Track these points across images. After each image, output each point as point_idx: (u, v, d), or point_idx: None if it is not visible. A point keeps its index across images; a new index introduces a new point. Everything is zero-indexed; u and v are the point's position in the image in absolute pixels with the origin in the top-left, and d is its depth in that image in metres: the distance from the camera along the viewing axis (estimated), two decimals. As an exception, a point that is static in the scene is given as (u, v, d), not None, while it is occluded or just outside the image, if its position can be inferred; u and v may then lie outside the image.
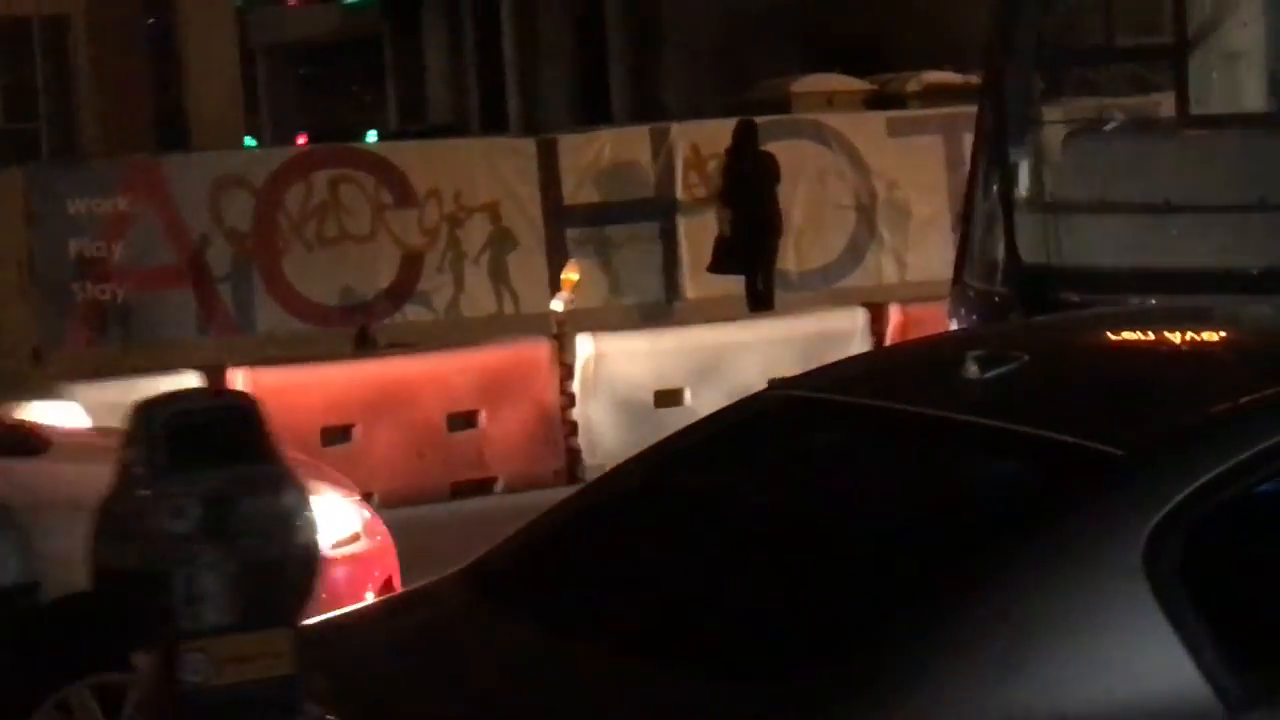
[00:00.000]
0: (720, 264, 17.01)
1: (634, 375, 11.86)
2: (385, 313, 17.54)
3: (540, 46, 34.12)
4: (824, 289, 18.30)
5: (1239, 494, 3.18)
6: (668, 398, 11.95)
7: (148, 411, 2.98)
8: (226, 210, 17.13)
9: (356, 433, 11.37)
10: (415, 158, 18.01)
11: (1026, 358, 3.77)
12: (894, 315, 12.49)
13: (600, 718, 3.03)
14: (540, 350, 11.83)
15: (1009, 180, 7.81)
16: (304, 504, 2.99)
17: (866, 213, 18.50)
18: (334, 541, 6.17)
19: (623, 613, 3.37)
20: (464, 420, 11.67)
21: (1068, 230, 7.71)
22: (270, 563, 2.86)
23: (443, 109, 37.16)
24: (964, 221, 8.47)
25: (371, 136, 30.58)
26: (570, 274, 12.69)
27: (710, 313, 17.04)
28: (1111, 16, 8.45)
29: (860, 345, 12.11)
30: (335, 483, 6.52)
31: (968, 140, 18.04)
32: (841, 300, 17.48)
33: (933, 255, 18.57)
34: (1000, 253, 7.91)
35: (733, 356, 12.21)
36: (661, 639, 3.22)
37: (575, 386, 11.81)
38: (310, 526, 3.03)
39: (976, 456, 3.55)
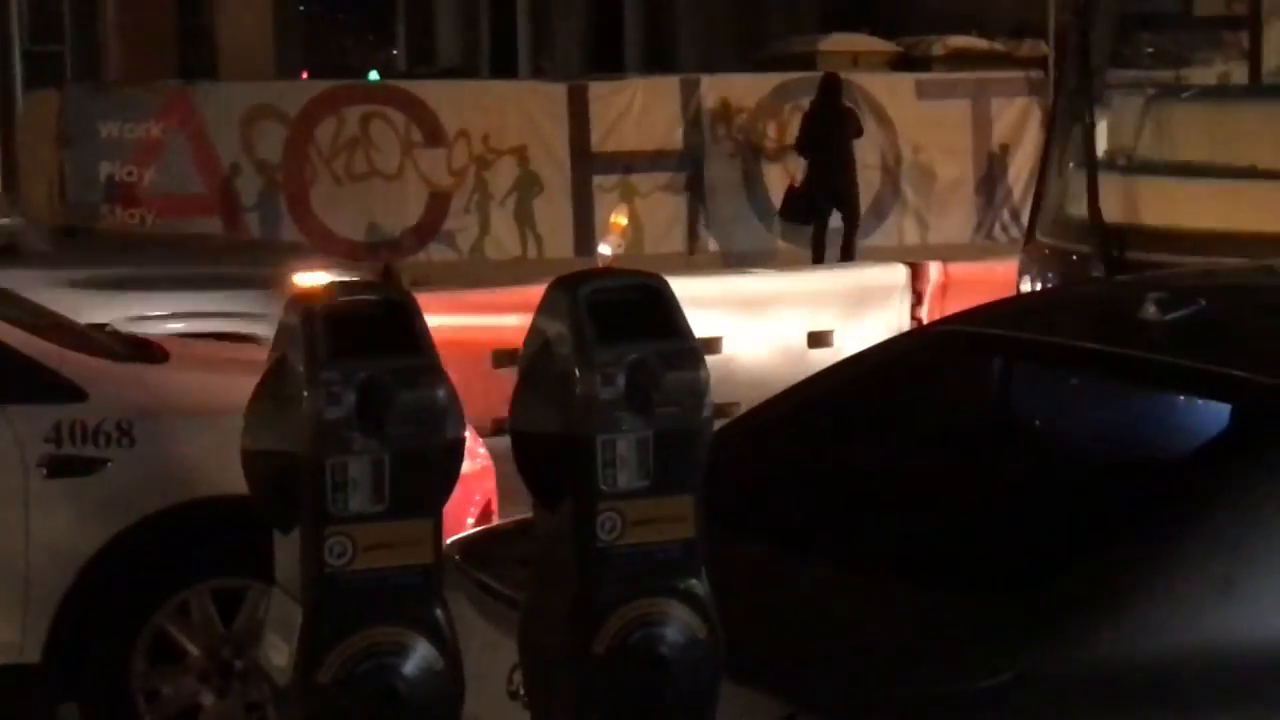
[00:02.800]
0: (790, 212, 17.30)
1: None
2: (410, 250, 17.62)
3: (554, -8, 34.07)
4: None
5: None
6: (705, 346, 12.03)
7: (569, 286, 3.09)
8: (257, 141, 17.20)
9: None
10: (446, 98, 18.06)
11: (1204, 302, 3.90)
12: (934, 273, 12.56)
13: (857, 629, 3.17)
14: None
15: (1091, 142, 7.93)
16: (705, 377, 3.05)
17: (892, 174, 18.61)
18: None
19: (858, 533, 3.50)
20: (508, 359, 11.74)
21: (1149, 191, 7.84)
22: (684, 433, 2.99)
23: (452, 52, 37.11)
24: (1040, 181, 8.60)
25: (374, 76, 30.56)
26: (619, 218, 12.78)
27: (730, 264, 17.21)
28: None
29: (901, 301, 12.20)
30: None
31: (995, 105, 18.39)
32: (864, 259, 17.68)
33: (955, 219, 18.77)
34: (1078, 211, 8.03)
35: (771, 306, 12.28)
36: (904, 559, 3.36)
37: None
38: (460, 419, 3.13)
39: (1174, 394, 3.68)
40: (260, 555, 5.81)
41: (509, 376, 11.07)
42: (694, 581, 3.03)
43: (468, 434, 6.63)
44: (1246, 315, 3.98)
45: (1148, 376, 3.67)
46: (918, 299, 12.55)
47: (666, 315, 3.10)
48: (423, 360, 3.06)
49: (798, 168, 17.14)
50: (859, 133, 17.37)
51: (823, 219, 17.14)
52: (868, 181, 18.52)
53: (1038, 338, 3.91)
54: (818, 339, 11.90)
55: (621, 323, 3.02)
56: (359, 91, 18.45)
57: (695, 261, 17.78)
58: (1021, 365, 4.03)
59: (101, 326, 7.08)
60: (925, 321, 12.37)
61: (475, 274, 17.06)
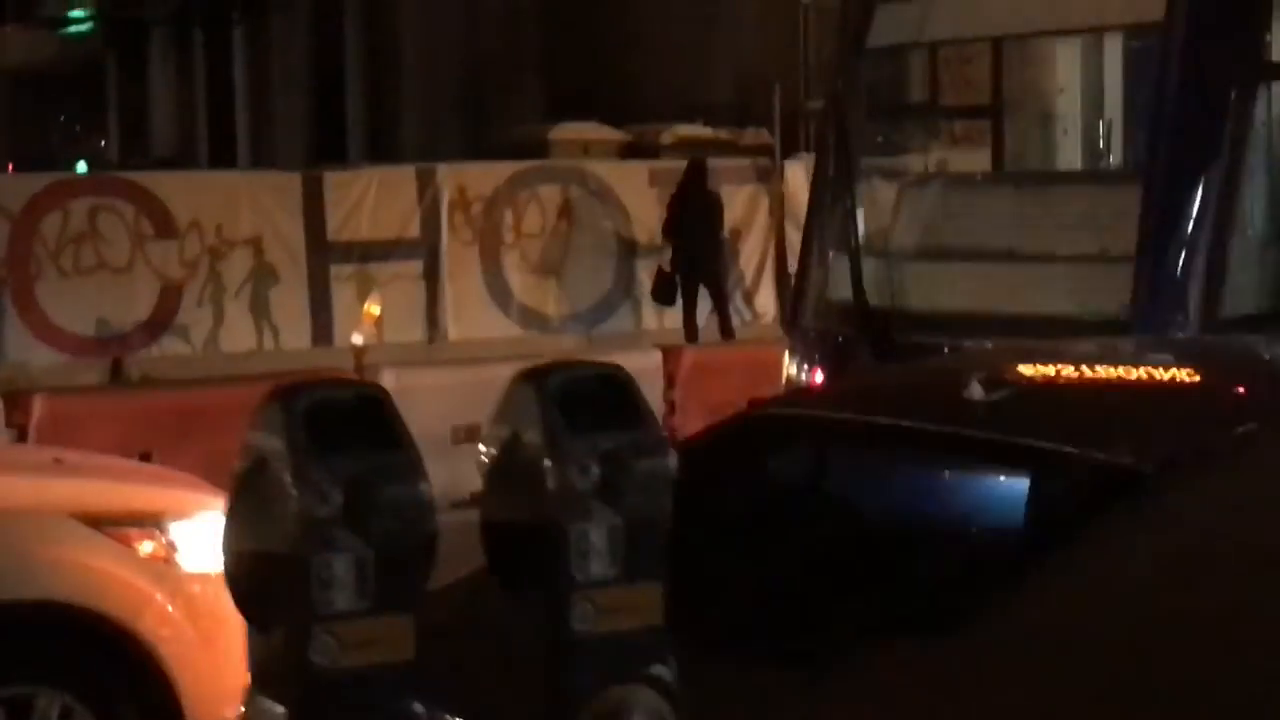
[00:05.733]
0: (661, 294, 17.81)
1: (434, 409, 11.93)
2: (141, 344, 17.29)
3: (273, 79, 33.84)
4: (584, 333, 18.61)
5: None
6: (467, 434, 12.05)
7: (537, 379, 3.09)
8: (-20, 235, 16.74)
9: (156, 461, 11.22)
10: (178, 188, 17.81)
11: (1022, 381, 4.06)
12: (688, 357, 12.79)
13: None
14: (342, 383, 11.82)
15: (852, 227, 8.15)
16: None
17: (628, 260, 18.84)
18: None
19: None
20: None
21: (909, 276, 8.08)
22: (651, 520, 3.00)
23: (168, 141, 36.56)
24: (801, 265, 8.80)
25: (81, 167, 29.98)
26: (372, 307, 12.72)
27: (471, 353, 17.23)
28: (937, 78, 8.87)
29: (655, 386, 12.37)
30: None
31: (724, 193, 18.74)
32: (601, 347, 17.87)
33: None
34: (841, 295, 8.24)
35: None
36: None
37: (373, 420, 11.82)
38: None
39: (997, 471, 3.82)
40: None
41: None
42: (662, 667, 3.08)
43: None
44: (1061, 396, 4.15)
45: (985, 454, 3.80)
46: (669, 382, 12.77)
47: (633, 405, 3.15)
48: (404, 455, 3.06)
49: (667, 253, 17.59)
50: (722, 217, 18.01)
51: (692, 300, 17.57)
52: (604, 267, 18.75)
53: (874, 420, 4.02)
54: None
55: (591, 413, 3.04)
56: (86, 183, 18.11)
57: (433, 351, 17.77)
58: (849, 448, 4.13)
59: None
60: (676, 404, 12.61)
61: (209, 367, 16.84)
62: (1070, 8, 7.83)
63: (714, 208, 17.96)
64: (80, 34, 39.55)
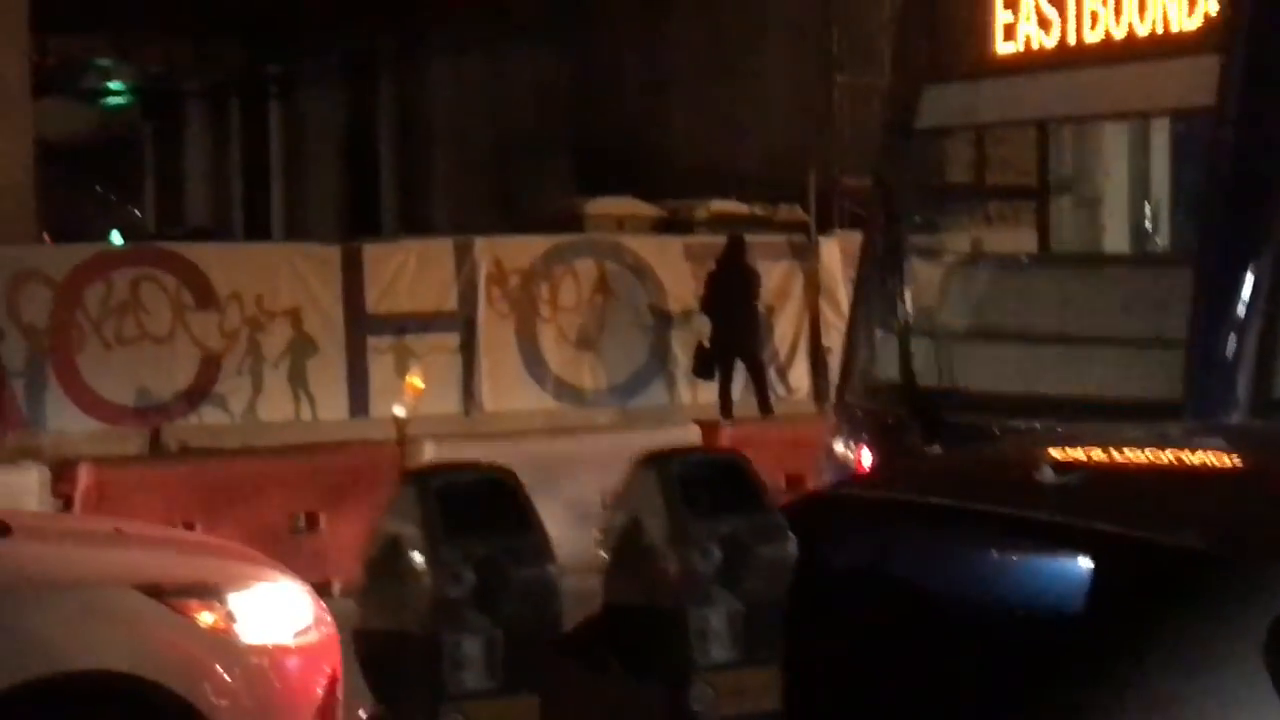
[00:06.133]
0: (702, 369, 17.90)
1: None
2: (182, 414, 17.41)
3: (307, 151, 34.11)
4: (619, 406, 18.67)
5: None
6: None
7: (658, 464, 3.14)
8: (24, 305, 16.88)
9: (198, 530, 11.30)
10: (218, 260, 17.96)
11: (1093, 464, 4.11)
12: (726, 433, 12.84)
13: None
14: (384, 455, 11.91)
15: (900, 306, 8.20)
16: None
17: (663, 334, 18.92)
18: (294, 630, 6.23)
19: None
20: (306, 522, 11.69)
21: (957, 356, 8.13)
22: (771, 605, 3.04)
23: (202, 212, 36.83)
24: (847, 343, 8.85)
25: (116, 237, 30.21)
26: (415, 380, 12.80)
27: (506, 425, 17.31)
28: (983, 158, 8.96)
29: (693, 461, 12.41)
30: (285, 572, 6.58)
31: (760, 268, 18.82)
32: (636, 419, 17.93)
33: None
34: (888, 374, 8.28)
35: (568, 468, 12.40)
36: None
37: (415, 493, 11.89)
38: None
39: (1071, 555, 3.85)
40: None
41: (307, 540, 10.96)
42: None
43: (310, 598, 6.63)
44: (1134, 475, 4.20)
45: (1056, 537, 3.84)
46: (707, 458, 12.79)
47: (752, 491, 3.20)
48: (534, 537, 3.12)
49: (705, 328, 17.68)
50: (758, 292, 18.08)
51: (729, 375, 17.66)
52: (640, 341, 18.84)
53: (945, 502, 4.06)
54: (615, 499, 12.08)
55: (711, 498, 3.10)
56: (129, 254, 18.26)
57: (469, 423, 17.84)
58: (913, 530, 4.17)
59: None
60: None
61: (246, 437, 16.93)
62: (1119, 92, 7.90)
63: (752, 284, 18.08)
64: (118, 105, 39.93)
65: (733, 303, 17.72)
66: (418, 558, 3.05)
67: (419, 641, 3.03)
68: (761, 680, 3.09)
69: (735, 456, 3.30)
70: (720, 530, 3.10)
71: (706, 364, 17.85)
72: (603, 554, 3.27)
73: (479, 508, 3.10)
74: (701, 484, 3.15)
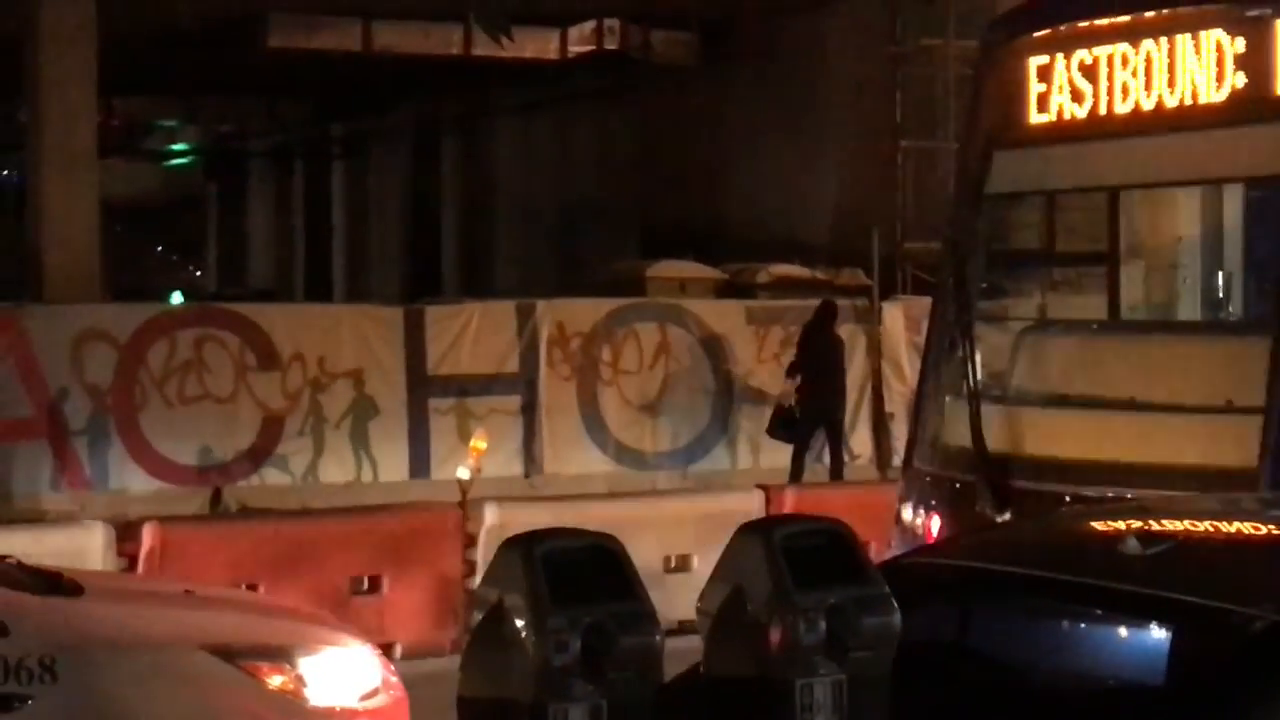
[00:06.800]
0: (779, 431, 17.92)
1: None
2: (243, 474, 17.45)
3: (370, 212, 34.29)
4: (679, 469, 18.63)
5: None
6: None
7: (763, 533, 3.13)
8: (87, 364, 16.98)
9: (262, 591, 11.29)
10: (281, 320, 18.04)
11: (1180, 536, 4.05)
12: (790, 497, 12.78)
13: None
14: (447, 517, 11.89)
15: (971, 371, 8.15)
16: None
17: (724, 397, 18.89)
18: (362, 694, 6.20)
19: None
20: (368, 584, 11.68)
21: (1027, 422, 8.06)
22: (876, 677, 3.02)
23: (264, 273, 37.04)
24: (916, 409, 8.80)
25: (177, 297, 30.41)
26: (479, 442, 12.81)
27: (567, 488, 17.29)
28: (1053, 224, 8.90)
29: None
30: (353, 634, 6.56)
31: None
32: (694, 484, 17.87)
33: (786, 445, 19.02)
34: (957, 440, 8.22)
35: (632, 531, 12.34)
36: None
37: (478, 554, 11.88)
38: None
39: (1150, 625, 3.80)
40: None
41: (368, 603, 10.91)
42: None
43: (378, 661, 6.61)
44: (1219, 547, 4.15)
45: (1138, 609, 3.79)
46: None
47: (857, 560, 3.17)
48: (639, 605, 3.09)
49: (790, 390, 17.71)
50: (843, 358, 18.14)
51: (806, 440, 17.73)
52: (701, 405, 18.81)
53: (1032, 573, 4.02)
54: (679, 563, 12.07)
55: (817, 568, 3.07)
56: (192, 314, 18.36)
57: (531, 486, 17.83)
58: (992, 599, 4.12)
59: (3, 558, 6.92)
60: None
61: (308, 498, 16.96)
62: (1192, 160, 7.85)
63: (838, 349, 18.12)
64: (181, 166, 40.27)
65: (820, 367, 17.72)
66: (522, 624, 3.01)
67: (524, 709, 2.99)
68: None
69: (839, 525, 3.26)
70: (825, 601, 3.06)
71: (788, 426, 17.79)
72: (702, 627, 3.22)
73: (584, 574, 3.07)
74: (806, 553, 3.11)
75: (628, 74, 26.51)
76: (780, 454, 18.54)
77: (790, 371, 17.96)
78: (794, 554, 3.10)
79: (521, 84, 28.22)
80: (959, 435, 8.19)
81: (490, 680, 3.07)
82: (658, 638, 3.07)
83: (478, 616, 3.11)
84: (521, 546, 3.09)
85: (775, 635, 3.03)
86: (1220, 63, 7.39)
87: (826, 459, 18.04)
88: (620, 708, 3.01)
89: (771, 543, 3.11)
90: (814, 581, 3.08)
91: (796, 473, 17.46)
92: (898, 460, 17.82)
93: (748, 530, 3.20)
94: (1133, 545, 4.01)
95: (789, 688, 3.02)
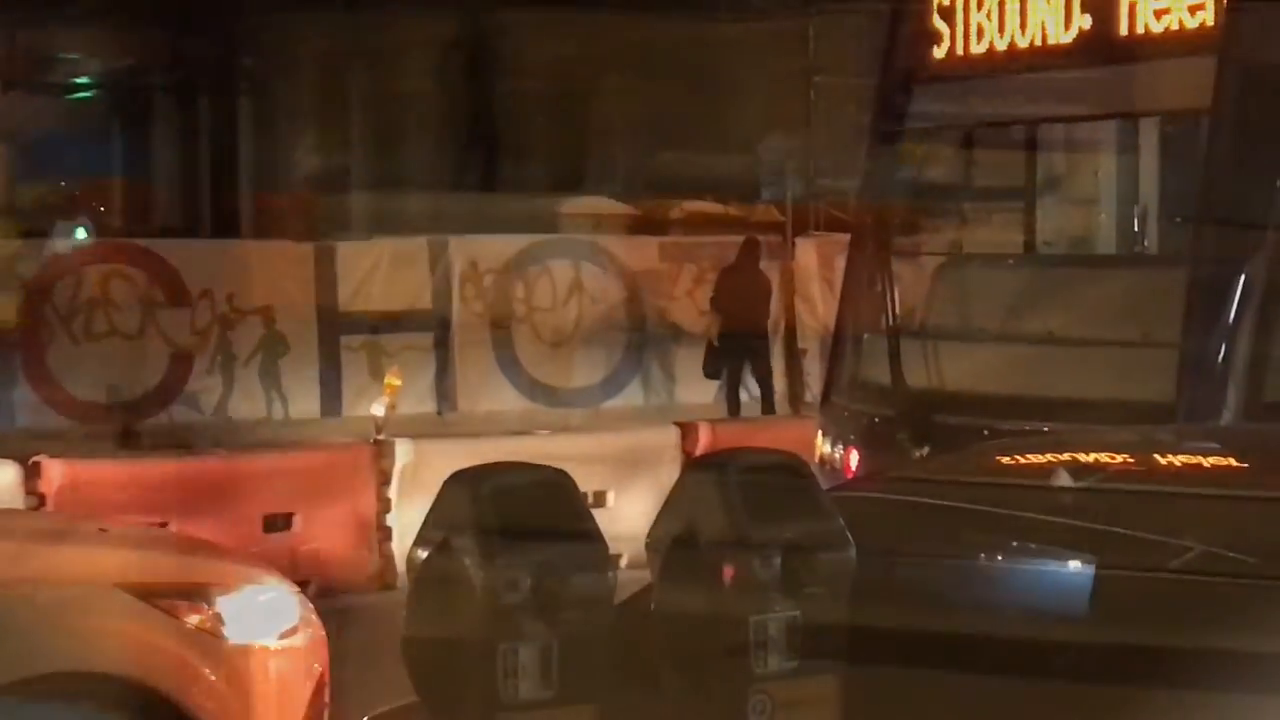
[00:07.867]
0: (711, 369, 17.92)
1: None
2: (151, 411, 17.26)
3: (277, 147, 33.87)
4: (591, 407, 18.60)
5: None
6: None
7: (716, 468, 3.11)
8: (-9, 301, 16.74)
9: (173, 529, 11.17)
10: (190, 257, 17.83)
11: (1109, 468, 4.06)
12: (705, 434, 12.77)
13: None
14: (361, 454, 11.81)
15: (888, 308, 8.16)
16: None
17: (638, 334, 18.86)
18: (279, 632, 6.15)
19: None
20: (280, 522, 11.59)
21: (945, 356, 8.09)
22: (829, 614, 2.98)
23: (170, 209, 36.52)
24: (835, 345, 8.81)
25: (81, 234, 29.93)
26: (394, 379, 12.70)
27: (480, 425, 17.23)
28: (971, 158, 8.92)
29: (672, 462, 12.33)
30: (271, 573, 6.49)
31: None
32: (608, 420, 17.86)
33: (698, 382, 19.03)
34: (875, 375, 8.24)
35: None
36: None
37: (392, 492, 11.81)
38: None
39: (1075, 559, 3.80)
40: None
41: (280, 540, 10.78)
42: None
43: (296, 599, 6.54)
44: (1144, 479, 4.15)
45: (1072, 543, 3.79)
46: (687, 459, 12.73)
47: (812, 496, 3.12)
48: (591, 541, 3.02)
49: (714, 327, 17.69)
50: (769, 295, 18.13)
51: (737, 376, 17.76)
52: (613, 341, 18.77)
53: (962, 505, 4.00)
54: (595, 499, 12.04)
55: (770, 503, 3.02)
56: (99, 250, 18.11)
57: (443, 424, 17.74)
58: (934, 534, 4.10)
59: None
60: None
61: (219, 436, 16.80)
62: (1110, 94, 7.87)
63: (763, 286, 18.16)
64: (85, 99, 39.58)
65: (744, 304, 17.69)
66: (470, 562, 2.94)
67: (472, 649, 2.93)
68: (819, 689, 3.01)
69: (794, 459, 3.21)
70: (781, 536, 3.01)
71: (715, 364, 17.82)
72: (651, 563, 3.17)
73: (534, 510, 3.00)
74: (758, 488, 3.06)
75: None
76: (695, 390, 18.57)
77: (712, 308, 17.96)
78: (748, 488, 3.05)
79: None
80: (878, 370, 8.21)
81: (437, 619, 3.00)
82: (610, 575, 3.01)
83: (422, 554, 3.04)
84: (468, 482, 3.02)
85: (730, 573, 2.99)
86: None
87: (756, 392, 18.15)
88: (571, 646, 2.95)
89: (726, 478, 3.05)
90: (768, 516, 3.03)
91: (733, 408, 17.54)
92: (810, 396, 17.96)
93: (697, 465, 3.14)
94: (1063, 478, 4.01)
95: (744, 626, 2.98)
